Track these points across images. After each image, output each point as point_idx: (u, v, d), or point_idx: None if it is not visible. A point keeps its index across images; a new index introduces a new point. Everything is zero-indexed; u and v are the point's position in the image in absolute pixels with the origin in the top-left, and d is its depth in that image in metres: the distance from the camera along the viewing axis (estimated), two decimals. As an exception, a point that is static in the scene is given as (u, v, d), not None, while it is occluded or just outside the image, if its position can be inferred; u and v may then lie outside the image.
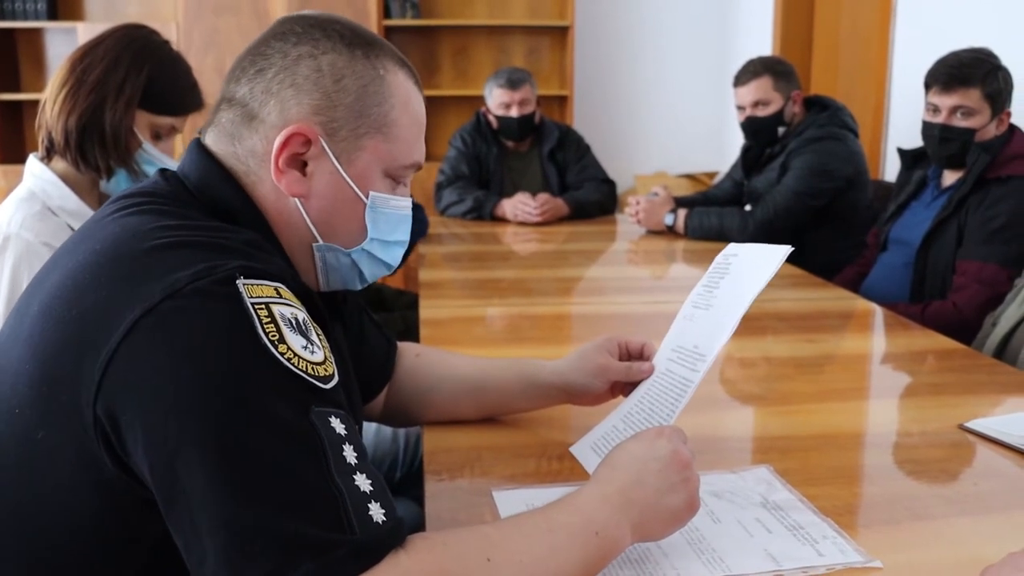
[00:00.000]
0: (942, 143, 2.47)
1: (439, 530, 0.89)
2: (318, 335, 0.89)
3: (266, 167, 1.00)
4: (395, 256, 1.11)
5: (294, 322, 0.86)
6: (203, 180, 1.01)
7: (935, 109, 2.48)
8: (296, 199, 1.01)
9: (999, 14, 3.11)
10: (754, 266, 1.16)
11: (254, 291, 0.84)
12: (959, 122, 2.44)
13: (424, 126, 1.09)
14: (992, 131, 2.44)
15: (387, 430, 1.72)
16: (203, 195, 1.00)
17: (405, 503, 1.61)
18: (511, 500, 1.13)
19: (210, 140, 1.04)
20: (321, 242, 1.05)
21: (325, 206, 1.02)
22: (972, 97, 2.42)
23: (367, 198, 1.04)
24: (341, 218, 1.04)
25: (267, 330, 0.82)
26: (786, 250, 1.12)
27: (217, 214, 0.98)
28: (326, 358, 0.87)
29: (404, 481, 1.72)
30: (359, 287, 1.12)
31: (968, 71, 2.42)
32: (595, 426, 1.26)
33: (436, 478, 1.20)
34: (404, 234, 1.11)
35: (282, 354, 0.82)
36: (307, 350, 0.85)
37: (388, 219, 1.07)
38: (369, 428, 1.69)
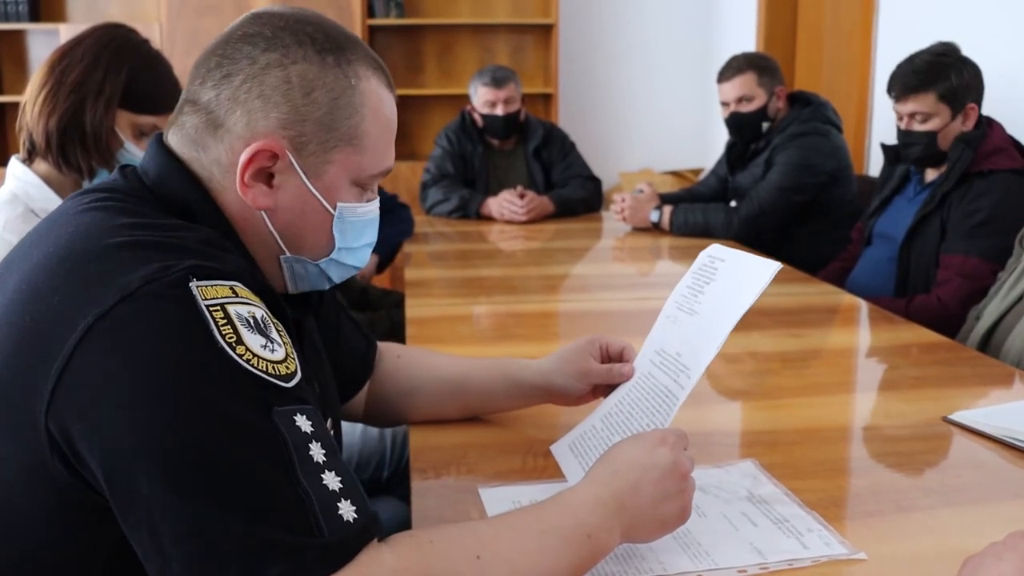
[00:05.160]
0: (905, 148, 2.54)
1: (429, 527, 0.89)
2: (278, 331, 0.87)
3: (231, 177, 0.96)
4: (363, 258, 1.09)
5: (252, 321, 0.84)
6: (161, 177, 0.98)
7: (899, 115, 2.53)
8: (262, 212, 0.98)
9: (980, 8, 3.12)
10: (742, 279, 1.13)
11: (208, 292, 0.82)
12: (918, 126, 2.48)
13: (395, 131, 1.05)
14: (958, 127, 2.46)
15: (373, 430, 1.72)
16: (160, 192, 0.97)
17: (393, 502, 1.61)
18: (497, 497, 1.13)
19: (173, 142, 1.00)
20: (288, 254, 1.02)
21: (292, 219, 0.99)
22: (926, 102, 2.44)
23: (335, 210, 1.01)
24: (308, 231, 1.01)
25: (224, 332, 0.80)
26: (776, 267, 1.10)
27: (174, 212, 0.95)
28: (287, 355, 0.85)
29: (391, 480, 1.72)
30: (327, 287, 1.11)
31: (918, 79, 2.45)
32: (576, 425, 1.26)
33: (422, 476, 1.20)
34: (371, 236, 1.08)
35: (240, 356, 0.80)
36: (267, 349, 0.83)
37: (355, 227, 1.05)
38: (355, 428, 1.68)
